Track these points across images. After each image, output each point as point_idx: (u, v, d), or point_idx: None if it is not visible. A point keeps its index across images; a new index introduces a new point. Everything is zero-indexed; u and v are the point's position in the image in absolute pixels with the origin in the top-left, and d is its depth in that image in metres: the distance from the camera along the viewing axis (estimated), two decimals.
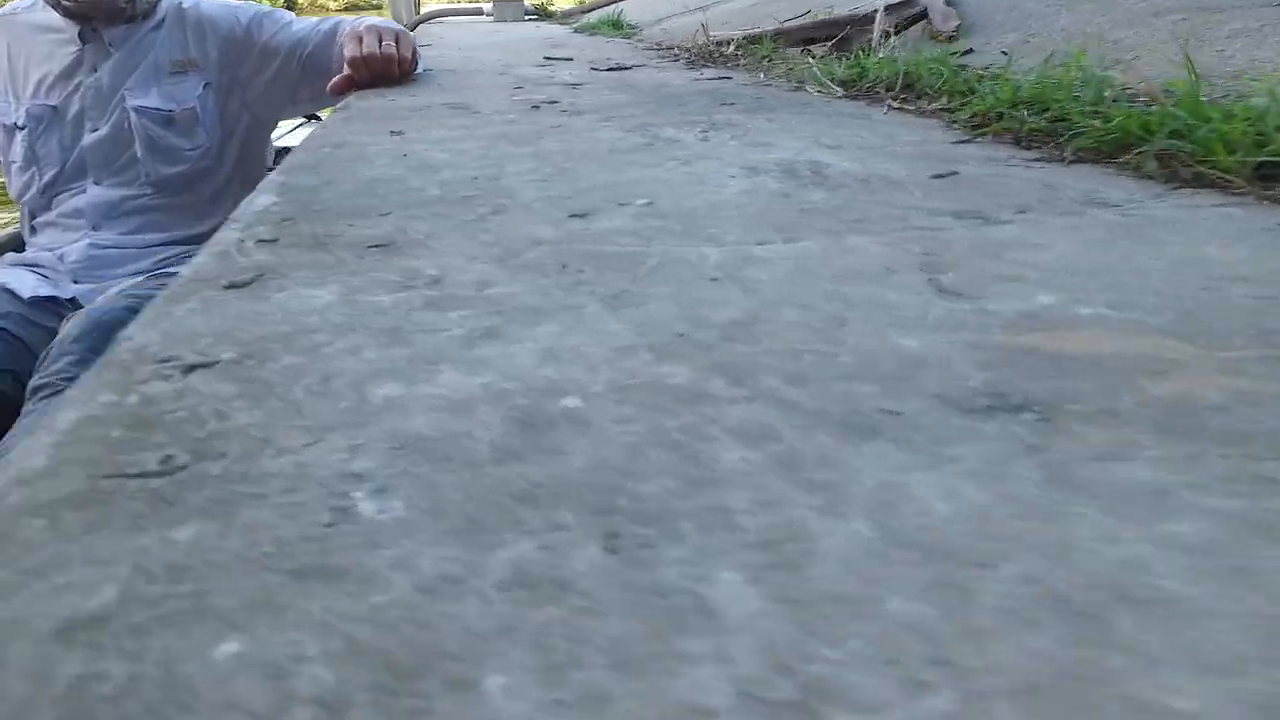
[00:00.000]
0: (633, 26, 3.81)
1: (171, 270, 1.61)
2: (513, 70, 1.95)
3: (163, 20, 1.80)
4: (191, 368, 0.38)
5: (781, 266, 0.52)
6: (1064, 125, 0.94)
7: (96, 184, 1.71)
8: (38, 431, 0.32)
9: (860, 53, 1.67)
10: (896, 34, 1.79)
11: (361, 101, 1.39)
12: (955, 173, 0.79)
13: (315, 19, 1.94)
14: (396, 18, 5.72)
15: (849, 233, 0.60)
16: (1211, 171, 0.74)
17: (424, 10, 5.84)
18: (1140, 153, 0.82)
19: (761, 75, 1.66)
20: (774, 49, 1.96)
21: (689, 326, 0.42)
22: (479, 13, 5.69)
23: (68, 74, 1.64)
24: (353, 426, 0.33)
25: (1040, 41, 1.46)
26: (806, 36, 2.07)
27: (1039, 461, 0.30)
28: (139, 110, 1.72)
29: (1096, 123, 0.89)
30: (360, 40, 1.62)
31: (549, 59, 2.23)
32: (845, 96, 1.35)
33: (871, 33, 1.68)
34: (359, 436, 0.32)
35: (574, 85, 1.60)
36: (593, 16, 4.88)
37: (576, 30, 3.87)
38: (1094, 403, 0.35)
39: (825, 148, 0.93)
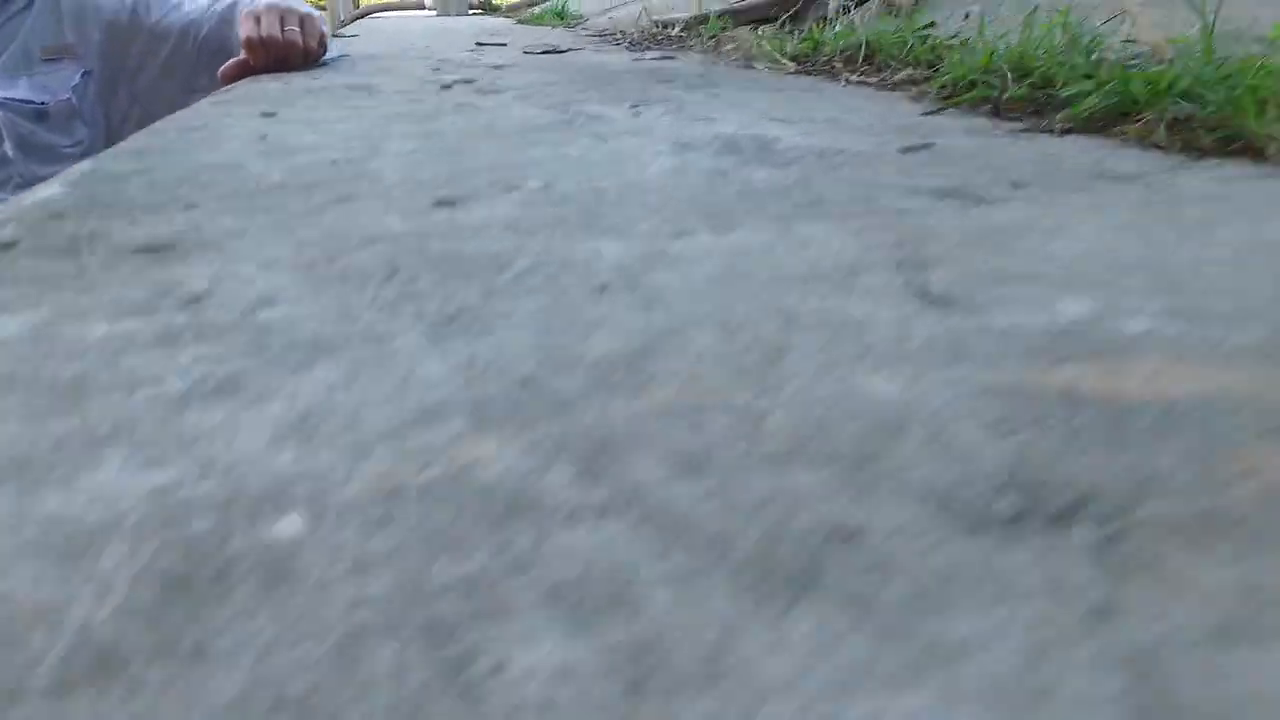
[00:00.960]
0: (578, 16, 3.65)
1: None
2: (438, 55, 1.78)
3: (32, 2, 1.60)
4: None
5: (703, 268, 0.37)
6: (1049, 93, 0.80)
7: None
8: None
9: (815, 28, 1.53)
10: (856, 7, 1.66)
11: (253, 85, 1.22)
12: (930, 144, 0.65)
13: None
14: (333, 14, 5.50)
15: (800, 219, 0.45)
16: (1237, 139, 0.61)
17: (363, 5, 5.62)
18: (1143, 120, 0.68)
19: (709, 55, 1.52)
20: (722, 29, 1.82)
21: (544, 368, 0.27)
22: (420, 7, 5.49)
23: None
24: None
25: (1009, 11, 1.33)
26: (759, 16, 1.93)
27: (1122, 647, 0.16)
28: (6, 104, 1.52)
29: (1089, 86, 0.75)
30: (258, 21, 1.44)
31: (481, 44, 2.06)
32: (799, 71, 1.20)
33: (826, 7, 1.54)
34: None
35: (499, 67, 1.43)
36: (537, 9, 4.71)
37: (520, 22, 3.70)
38: (1191, 497, 0.21)
39: (775, 121, 0.78)
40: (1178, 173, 0.55)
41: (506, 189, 0.53)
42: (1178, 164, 0.58)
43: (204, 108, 0.97)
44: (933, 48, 1.06)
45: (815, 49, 1.25)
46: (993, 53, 0.91)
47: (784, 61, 1.24)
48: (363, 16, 5.29)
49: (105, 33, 1.63)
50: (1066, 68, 0.82)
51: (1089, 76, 0.79)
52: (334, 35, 2.90)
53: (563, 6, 3.73)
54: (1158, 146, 0.65)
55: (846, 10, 1.63)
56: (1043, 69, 0.84)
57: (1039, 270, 0.36)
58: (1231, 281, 0.35)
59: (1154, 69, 0.75)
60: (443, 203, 0.49)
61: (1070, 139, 0.69)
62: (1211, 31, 0.72)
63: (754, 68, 1.30)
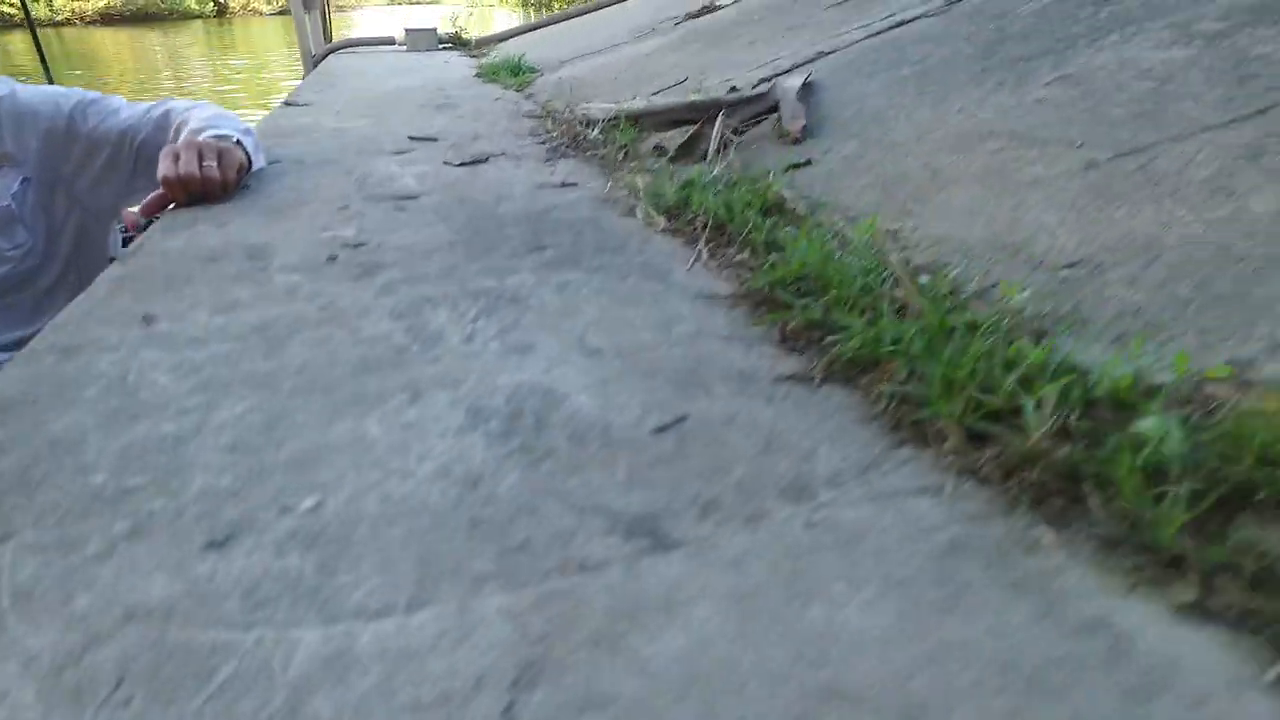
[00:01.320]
0: (533, 70, 3.73)
1: None
2: (366, 158, 1.87)
3: None
4: None
5: (363, 680, 0.47)
6: (834, 320, 0.90)
7: None
8: None
9: (703, 159, 1.63)
10: (751, 126, 1.75)
11: (162, 241, 1.31)
12: (684, 418, 0.75)
13: (146, 104, 1.84)
14: (304, 50, 5.57)
15: (487, 585, 0.55)
16: (932, 421, 0.70)
17: (336, 39, 5.69)
18: (883, 380, 0.78)
19: (609, 181, 1.61)
20: (635, 137, 1.91)
21: None
22: (391, 42, 5.56)
23: None
24: None
25: (874, 158, 1.43)
26: (673, 119, 2.02)
27: None
28: None
29: (858, 324, 0.85)
30: (177, 159, 1.53)
31: (414, 139, 2.15)
32: (668, 229, 1.30)
33: (709, 139, 1.64)
34: None
35: (407, 199, 1.53)
36: (504, 49, 4.79)
37: (479, 72, 3.77)
38: None
39: (586, 354, 0.87)
40: (861, 482, 0.65)
41: (282, 511, 0.62)
42: (874, 459, 0.68)
43: (95, 302, 1.06)
44: (772, 229, 1.15)
45: (687, 203, 1.35)
46: (803, 263, 1.00)
47: (655, 217, 1.33)
48: (333, 51, 5.35)
49: (43, 140, 1.72)
50: (850, 290, 0.91)
51: (868, 307, 0.89)
52: (285, 103, 2.98)
53: (519, 61, 3.81)
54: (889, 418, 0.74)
55: (739, 132, 1.73)
56: (836, 291, 0.93)
57: (620, 692, 0.46)
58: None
59: (907, 320, 0.84)
60: (213, 544, 0.59)
61: (822, 396, 0.78)
62: (945, 300, 0.82)
63: (634, 215, 1.40)
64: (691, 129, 1.81)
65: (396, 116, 2.55)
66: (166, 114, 1.78)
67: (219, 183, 1.55)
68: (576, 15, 5.62)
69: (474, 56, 5.03)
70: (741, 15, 3.32)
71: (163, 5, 39.18)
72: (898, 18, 2.27)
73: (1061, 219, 1.01)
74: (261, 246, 1.26)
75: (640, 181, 1.45)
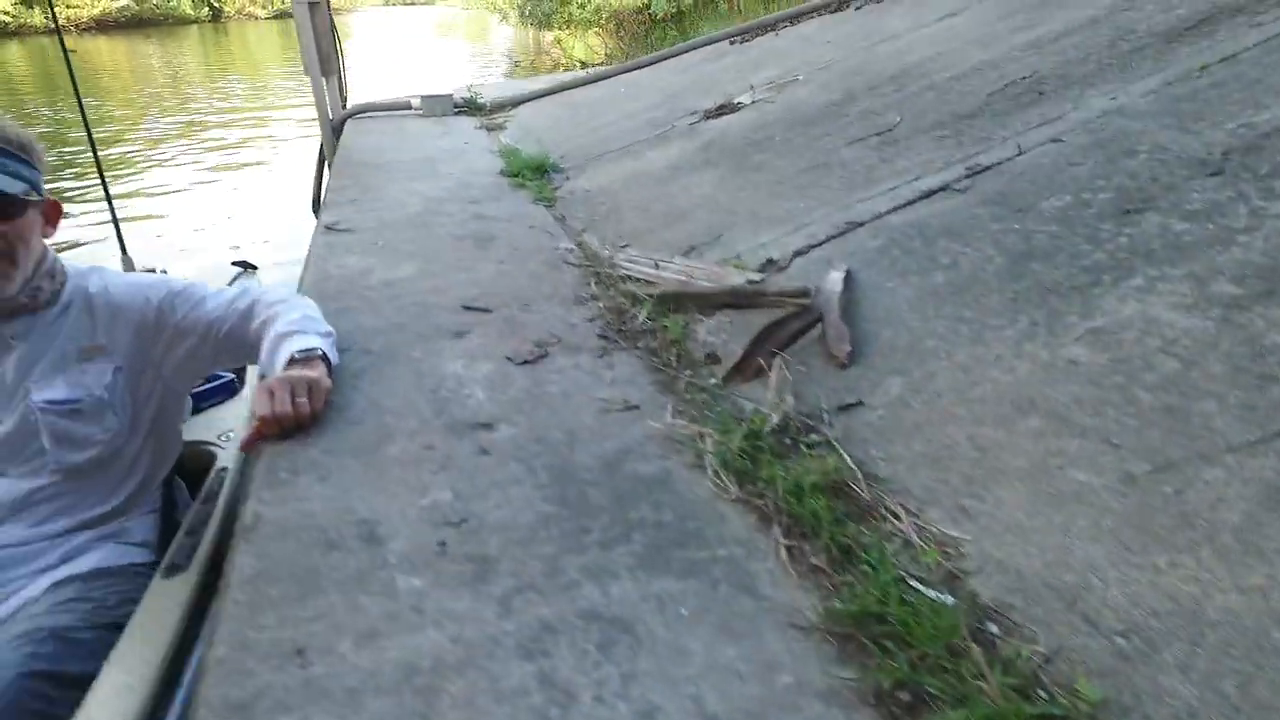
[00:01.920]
0: (557, 171, 3.84)
1: (79, 570, 1.63)
2: (428, 348, 1.98)
3: (68, 305, 1.80)
4: None
5: None
6: (922, 681, 1.03)
7: (2, 475, 1.71)
8: None
9: (755, 376, 1.75)
10: (792, 342, 1.88)
11: (273, 507, 1.42)
12: None
13: (231, 292, 1.95)
14: (322, 113, 5.64)
15: None
16: None
17: (350, 103, 5.76)
18: None
19: (669, 404, 1.73)
20: (683, 333, 2.04)
21: None
22: (407, 107, 5.65)
23: None
24: None
25: (921, 415, 1.56)
26: (716, 303, 2.15)
27: None
28: (45, 406, 1.72)
29: (948, 693, 0.98)
30: (272, 395, 1.65)
31: (467, 308, 2.26)
32: (740, 499, 1.43)
33: (773, 307, 1.77)
34: None
35: (483, 428, 1.64)
36: (520, 119, 4.88)
37: (504, 169, 3.84)
38: None
39: None
40: None
41: None
42: None
43: (242, 642, 1.18)
44: (842, 518, 1.29)
45: (753, 458, 1.48)
46: (881, 598, 1.14)
47: (726, 483, 1.46)
48: (356, 114, 5.43)
49: (134, 332, 1.84)
50: (938, 646, 1.05)
51: (950, 664, 1.03)
52: (326, 227, 3.07)
53: (542, 159, 3.89)
54: None
55: (789, 343, 1.85)
56: (919, 643, 1.07)
57: None
58: None
59: None
60: None
61: None
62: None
63: (703, 467, 1.52)
64: (734, 314, 1.94)
65: (440, 260, 2.66)
66: (252, 307, 1.90)
67: (309, 416, 1.67)
68: (584, 84, 5.72)
69: (490, 127, 5.12)
70: (759, 132, 3.43)
71: (157, 11, 38.77)
72: (920, 185, 2.40)
73: (1109, 556, 1.15)
74: (370, 524, 1.38)
75: (708, 441, 1.56)
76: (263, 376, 1.82)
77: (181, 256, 5.24)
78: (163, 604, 1.50)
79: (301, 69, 5.27)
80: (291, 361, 1.70)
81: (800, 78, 4.04)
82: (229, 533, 1.99)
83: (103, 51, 25.17)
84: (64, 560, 1.69)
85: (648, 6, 13.17)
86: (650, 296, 2.22)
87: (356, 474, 1.52)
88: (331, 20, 5.44)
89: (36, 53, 25.47)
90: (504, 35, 30.11)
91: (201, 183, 7.49)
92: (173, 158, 8.56)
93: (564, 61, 16.14)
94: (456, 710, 1.03)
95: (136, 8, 36.71)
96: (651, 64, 5.56)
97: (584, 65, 15.15)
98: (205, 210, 6.49)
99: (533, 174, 3.77)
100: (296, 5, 5.28)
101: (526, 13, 15.37)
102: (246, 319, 1.87)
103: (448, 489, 1.48)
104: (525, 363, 1.96)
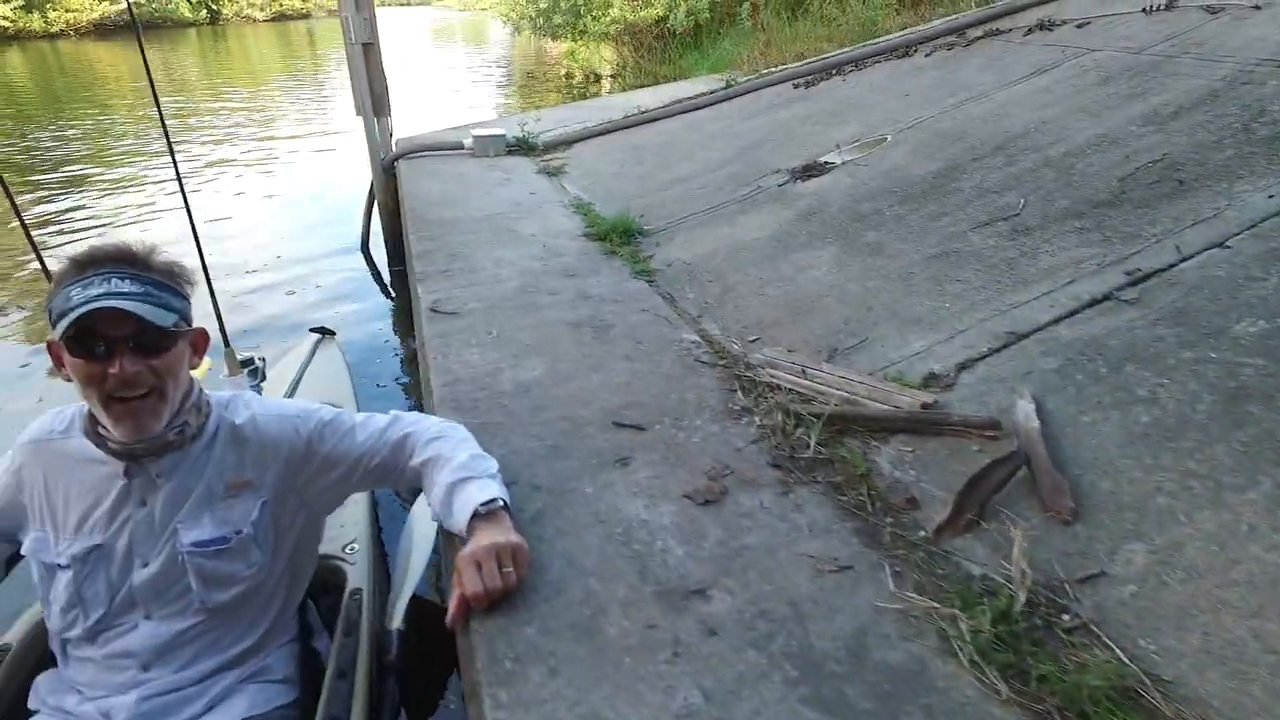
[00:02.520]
0: (642, 234, 3.74)
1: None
2: (596, 480, 1.88)
3: (214, 438, 1.72)
4: None
5: None
6: None
7: (147, 618, 1.64)
8: None
9: (968, 530, 1.67)
10: (999, 490, 1.79)
11: None
12: None
13: (382, 421, 1.86)
14: (373, 151, 5.53)
15: None
16: None
17: (397, 142, 5.66)
18: None
19: (885, 566, 1.64)
20: (867, 467, 1.95)
21: None
22: (459, 146, 5.55)
23: (114, 509, 1.54)
24: None
25: (1178, 596, 1.48)
26: (890, 428, 2.06)
27: None
28: (193, 549, 1.65)
29: None
30: (480, 569, 1.56)
31: (619, 425, 2.17)
32: (1013, 698, 1.34)
33: (957, 437, 1.68)
34: None
35: (696, 595, 1.55)
36: (579, 161, 4.76)
37: (587, 230, 3.75)
38: None
39: None
40: None
41: None
42: None
43: None
44: None
45: (1015, 644, 1.39)
46: None
47: (992, 680, 1.37)
48: (407, 155, 5.31)
49: (283, 465, 1.75)
50: None
51: None
52: (431, 309, 2.97)
53: (627, 221, 3.79)
54: None
55: (995, 490, 1.77)
56: None
57: None
58: None
59: None
60: None
61: None
62: None
63: (952, 651, 1.43)
64: (913, 441, 1.85)
65: (565, 356, 2.56)
66: (405, 439, 1.82)
67: (515, 585, 1.59)
68: (639, 123, 5.61)
69: (549, 171, 5.01)
70: (864, 203, 3.35)
71: (156, 14, 38.31)
72: (1078, 291, 2.32)
73: None
74: None
75: (957, 624, 1.46)
76: (438, 520, 1.74)
77: (239, 309, 5.09)
78: None
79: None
80: (475, 516, 1.62)
81: (889, 138, 3.95)
82: (383, 675, 1.90)
83: (102, 60, 24.81)
84: (209, 709, 1.61)
85: (664, 20, 13.04)
86: (813, 416, 2.12)
87: (587, 665, 1.42)
88: (380, 62, 5.33)
89: (36, 59, 25.08)
90: (502, 40, 29.89)
91: (230, 217, 7.31)
92: (199, 189, 8.38)
93: (574, 72, 16.02)
94: None
95: (135, 11, 36.35)
96: (711, 104, 5.46)
97: (598, 78, 15.05)
98: (250, 251, 6.33)
99: (620, 238, 3.68)
100: (350, 46, 5.17)
101: (539, 25, 15.21)
102: (399, 451, 1.79)
103: (695, 688, 1.38)
104: (707, 502, 1.87)
